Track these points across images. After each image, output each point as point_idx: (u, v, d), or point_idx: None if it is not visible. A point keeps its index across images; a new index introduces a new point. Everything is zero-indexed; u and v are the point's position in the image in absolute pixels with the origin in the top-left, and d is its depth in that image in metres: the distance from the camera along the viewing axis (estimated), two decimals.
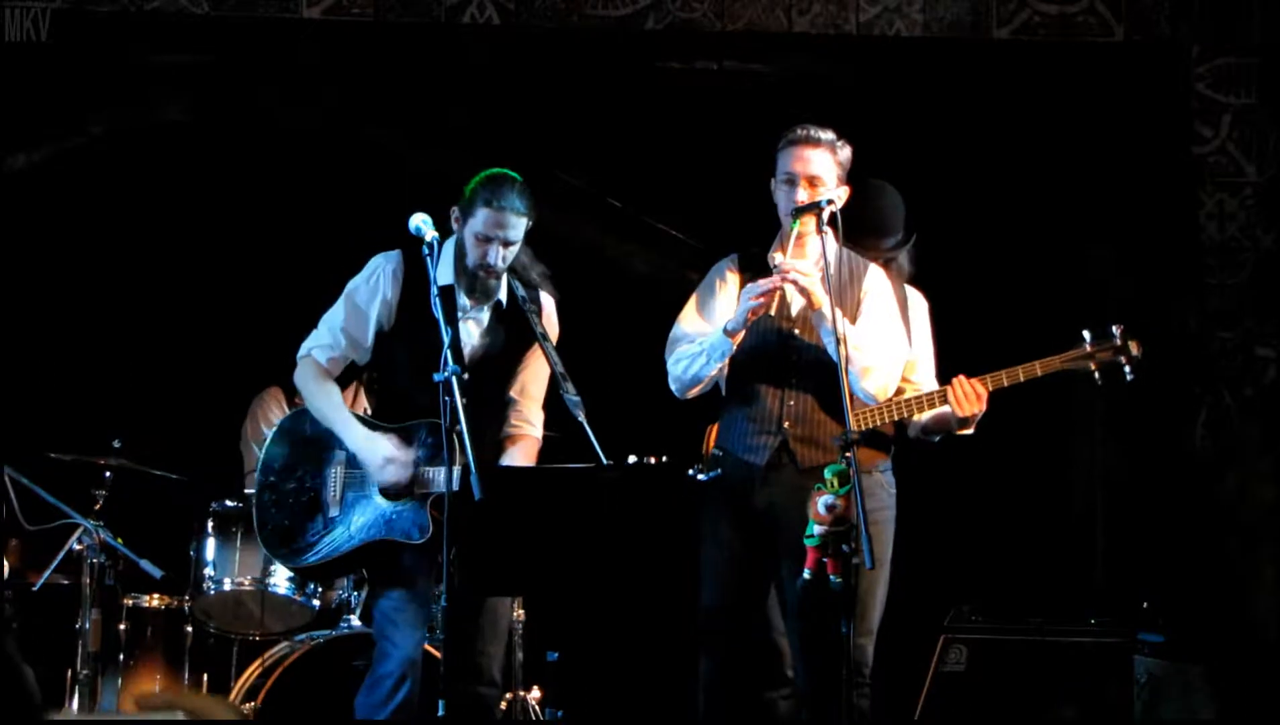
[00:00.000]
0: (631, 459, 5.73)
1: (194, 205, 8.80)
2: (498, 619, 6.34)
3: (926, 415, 6.40)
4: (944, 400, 6.22)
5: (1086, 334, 6.27)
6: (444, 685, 5.64)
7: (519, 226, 6.14)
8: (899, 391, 6.36)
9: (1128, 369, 6.26)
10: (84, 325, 8.75)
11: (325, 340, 6.31)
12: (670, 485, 6.20)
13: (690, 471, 6.16)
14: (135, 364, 8.78)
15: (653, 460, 5.73)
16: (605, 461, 5.75)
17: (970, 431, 6.34)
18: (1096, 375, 6.29)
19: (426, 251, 5.91)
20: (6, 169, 8.50)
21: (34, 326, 8.59)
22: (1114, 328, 6.27)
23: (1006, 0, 7.91)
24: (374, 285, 6.27)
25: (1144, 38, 7.95)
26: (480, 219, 6.11)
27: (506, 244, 6.13)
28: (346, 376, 6.66)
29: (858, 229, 6.55)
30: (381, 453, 6.12)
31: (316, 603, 7.80)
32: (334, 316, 6.32)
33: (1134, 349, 6.25)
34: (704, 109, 8.39)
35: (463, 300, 6.18)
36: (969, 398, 6.18)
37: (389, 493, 6.15)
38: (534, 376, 6.38)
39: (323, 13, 7.85)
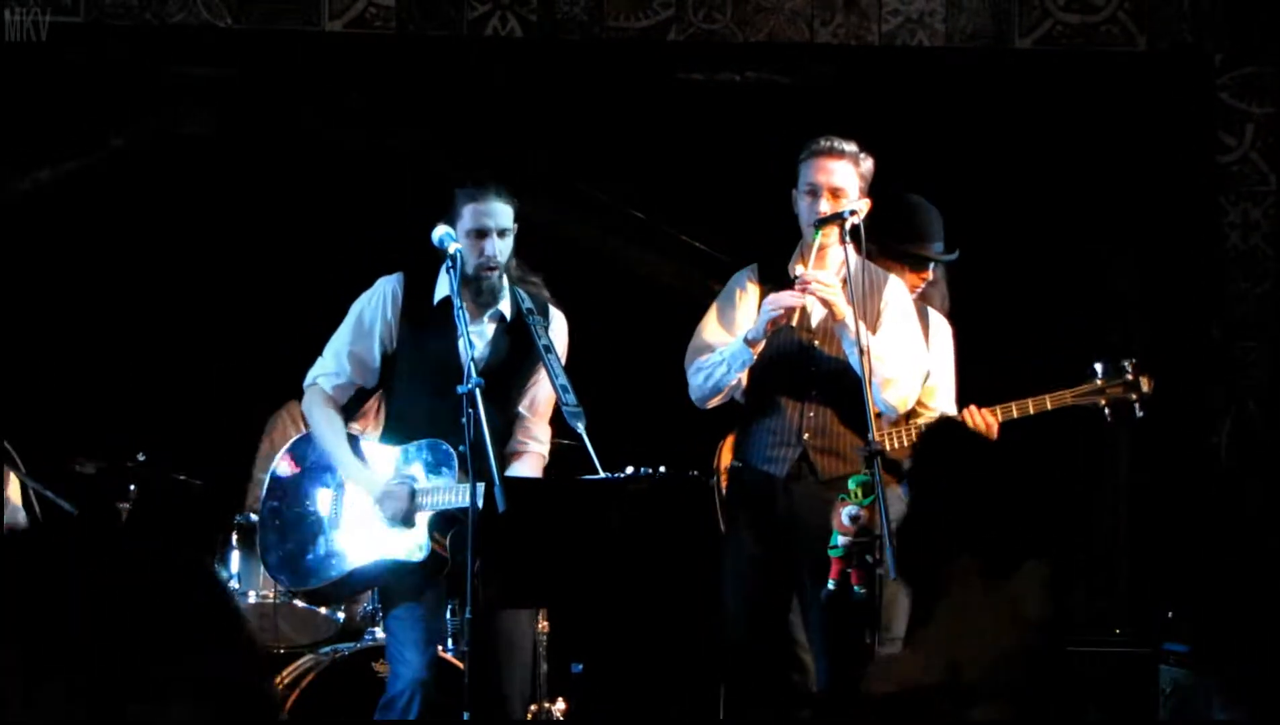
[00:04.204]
0: (629, 469, 5.73)
1: (217, 218, 8.80)
2: (515, 636, 6.31)
3: None
4: None
5: (1098, 367, 6.29)
6: (468, 698, 5.64)
7: (506, 213, 6.17)
8: (915, 416, 6.38)
9: (1138, 406, 6.27)
10: (108, 337, 8.76)
11: (330, 367, 6.35)
12: (695, 497, 6.22)
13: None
14: (160, 376, 8.79)
15: (650, 471, 5.74)
16: (602, 473, 5.75)
17: None
18: (1106, 411, 6.30)
19: (449, 264, 5.94)
20: (30, 182, 8.53)
21: (58, 338, 8.61)
22: (1126, 363, 6.28)
23: (1029, 10, 7.90)
24: (376, 306, 6.32)
25: (1167, 47, 7.93)
26: (468, 216, 6.14)
27: (501, 234, 6.16)
28: (364, 396, 6.68)
29: (899, 237, 6.57)
30: (377, 489, 6.16)
31: (341, 616, 7.81)
32: (338, 341, 6.36)
33: (1145, 386, 6.27)
34: (726, 120, 8.39)
35: (465, 314, 6.17)
36: (979, 430, 6.19)
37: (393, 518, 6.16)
38: (544, 392, 6.36)
39: (345, 25, 7.86)
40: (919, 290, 6.75)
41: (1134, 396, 6.26)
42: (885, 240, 6.63)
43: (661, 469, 5.74)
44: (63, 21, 7.72)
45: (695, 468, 5.97)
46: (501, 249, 6.16)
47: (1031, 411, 6.25)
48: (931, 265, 6.81)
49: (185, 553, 2.04)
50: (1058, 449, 8.17)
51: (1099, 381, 6.28)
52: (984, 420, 6.22)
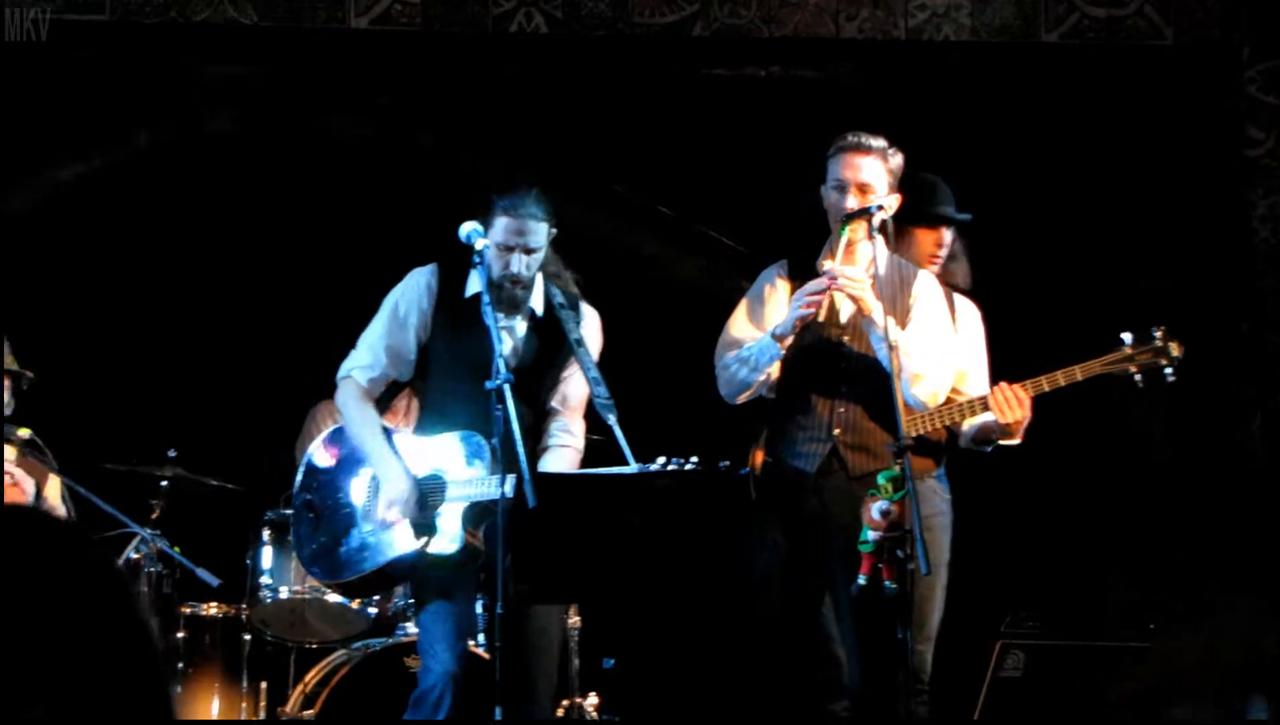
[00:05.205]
0: (660, 460, 5.73)
1: (247, 216, 8.82)
2: (545, 631, 6.33)
3: (973, 425, 6.40)
4: (987, 407, 6.22)
5: (1126, 337, 6.23)
6: (498, 694, 5.65)
7: (539, 232, 6.16)
8: (949, 401, 6.36)
9: (1169, 371, 6.21)
10: (139, 335, 8.78)
11: (365, 360, 6.34)
12: (726, 490, 6.22)
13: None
14: (190, 374, 8.82)
15: (682, 462, 5.74)
16: (634, 464, 5.75)
17: (1018, 441, 6.33)
18: (1138, 378, 6.24)
19: (477, 260, 5.96)
20: (57, 180, 8.56)
21: (90, 336, 8.64)
22: (1155, 330, 6.23)
23: (1056, 4, 7.90)
24: (411, 298, 6.32)
25: (1194, 40, 7.92)
26: (500, 228, 6.13)
27: (528, 251, 6.15)
28: (395, 389, 6.70)
29: (911, 201, 6.56)
30: (389, 495, 6.16)
31: (373, 610, 7.82)
32: (373, 333, 6.36)
33: (1175, 350, 6.20)
34: (752, 116, 8.39)
35: (496, 311, 6.17)
36: (1011, 404, 6.16)
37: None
38: (576, 387, 6.36)
39: (371, 22, 7.88)
40: (938, 261, 6.71)
41: (1164, 361, 6.20)
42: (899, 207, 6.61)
43: (693, 460, 5.74)
44: (89, 20, 7.75)
45: (726, 459, 5.95)
46: (529, 264, 6.17)
47: (1063, 383, 6.21)
48: (949, 234, 6.77)
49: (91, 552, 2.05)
50: (1090, 445, 8.20)
51: (1128, 349, 6.23)
52: (1015, 396, 6.19)
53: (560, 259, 6.41)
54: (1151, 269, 8.32)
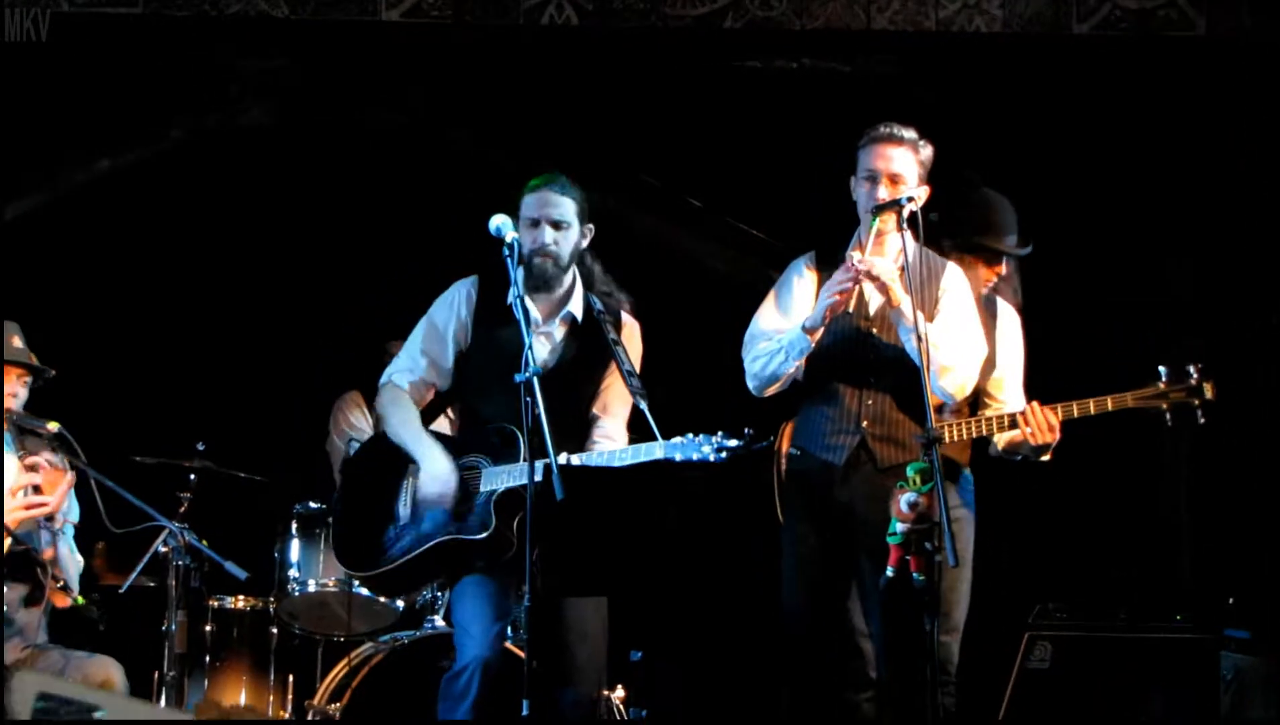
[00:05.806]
0: (688, 435, 5.73)
1: (275, 208, 8.84)
2: (585, 624, 6.31)
3: (1002, 440, 6.38)
4: (1016, 425, 6.19)
5: (1162, 371, 6.18)
6: (526, 686, 5.63)
7: (563, 205, 6.26)
8: (983, 407, 6.36)
9: (1200, 412, 6.16)
10: (167, 329, 8.81)
11: (405, 364, 6.44)
12: (754, 481, 6.21)
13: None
14: (218, 367, 8.84)
15: (709, 436, 5.72)
16: (661, 441, 5.75)
17: (1046, 458, 6.31)
18: (1168, 416, 6.20)
19: (506, 252, 5.95)
20: (90, 174, 8.59)
21: (118, 330, 8.66)
22: (1191, 367, 6.18)
23: None
24: (450, 308, 6.41)
25: (1226, 31, 7.87)
26: (527, 203, 6.27)
27: (555, 225, 6.25)
28: (435, 408, 6.72)
29: (973, 230, 6.55)
30: (431, 469, 6.20)
31: (401, 603, 7.83)
32: (413, 341, 6.46)
33: (1208, 392, 6.14)
34: (783, 107, 8.38)
35: (534, 315, 6.21)
36: (1040, 428, 6.14)
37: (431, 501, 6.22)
38: (617, 395, 6.38)
39: (402, 15, 7.88)
40: (992, 284, 6.71)
41: (1196, 402, 6.14)
42: (960, 233, 6.60)
43: (720, 433, 5.73)
44: (122, 13, 7.76)
45: (751, 428, 5.89)
46: (557, 239, 6.25)
47: (1093, 411, 6.17)
48: (1004, 259, 6.76)
49: None
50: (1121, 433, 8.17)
51: (1162, 384, 6.17)
52: (1046, 420, 6.16)
53: (612, 279, 6.47)
54: (1180, 261, 8.30)
